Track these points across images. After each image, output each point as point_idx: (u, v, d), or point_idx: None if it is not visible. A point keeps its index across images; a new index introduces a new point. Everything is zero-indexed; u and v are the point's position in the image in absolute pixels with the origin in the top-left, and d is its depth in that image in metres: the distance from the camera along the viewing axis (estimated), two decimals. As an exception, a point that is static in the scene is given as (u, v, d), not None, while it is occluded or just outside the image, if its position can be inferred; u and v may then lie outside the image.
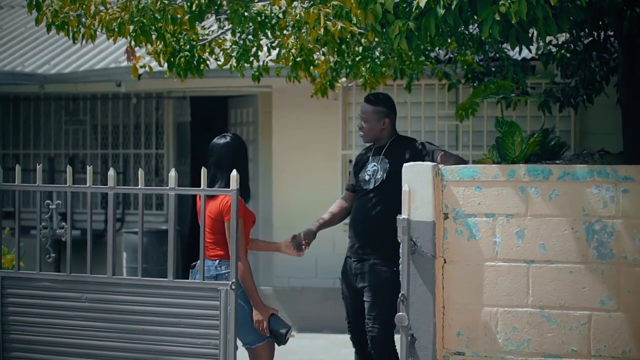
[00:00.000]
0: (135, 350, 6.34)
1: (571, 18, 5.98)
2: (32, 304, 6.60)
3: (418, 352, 5.75)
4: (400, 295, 5.76)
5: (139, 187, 6.40)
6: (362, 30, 7.38)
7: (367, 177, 7.19)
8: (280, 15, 7.85)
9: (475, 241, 5.75)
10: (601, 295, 5.57)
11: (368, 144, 7.44)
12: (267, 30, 7.98)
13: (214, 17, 8.77)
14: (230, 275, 6.20)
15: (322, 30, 6.73)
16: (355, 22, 6.72)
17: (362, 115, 7.28)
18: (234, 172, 6.21)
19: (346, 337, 7.45)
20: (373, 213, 7.06)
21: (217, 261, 6.65)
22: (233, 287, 6.17)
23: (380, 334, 7.00)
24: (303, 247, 7.16)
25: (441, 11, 5.77)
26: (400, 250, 5.77)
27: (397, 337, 6.99)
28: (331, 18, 6.75)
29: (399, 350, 5.92)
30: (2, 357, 6.64)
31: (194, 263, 6.73)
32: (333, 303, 10.95)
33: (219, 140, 6.84)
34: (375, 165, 7.18)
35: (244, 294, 6.63)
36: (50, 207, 6.59)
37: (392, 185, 6.13)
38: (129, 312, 6.36)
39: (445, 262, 5.79)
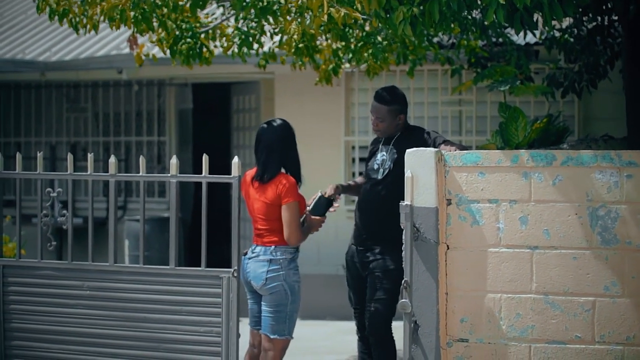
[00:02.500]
0: (137, 339, 6.33)
1: (575, 2, 5.94)
2: (33, 292, 6.59)
3: (421, 339, 5.73)
4: (403, 281, 5.74)
5: (141, 174, 6.38)
6: (365, 17, 7.34)
7: (375, 167, 7.18)
8: (282, 1, 7.81)
9: (479, 227, 5.72)
10: (605, 281, 5.54)
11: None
12: (268, 16, 7.95)
13: (216, 3, 8.75)
14: (232, 262, 6.18)
15: (325, 17, 6.70)
16: (359, 8, 6.69)
17: (377, 115, 7.17)
18: (236, 159, 6.21)
19: (349, 324, 7.43)
20: (381, 202, 7.04)
21: (273, 247, 6.68)
22: (235, 274, 6.15)
23: (379, 318, 7.00)
24: (333, 207, 7.09)
25: (445, -4, 5.74)
26: (403, 237, 5.74)
27: (395, 325, 7.00)
28: (334, 4, 6.71)
29: (401, 337, 5.89)
30: (4, 345, 6.62)
31: (246, 251, 6.77)
32: (336, 290, 10.94)
33: (268, 125, 6.85)
34: (384, 155, 7.16)
35: (292, 283, 6.68)
36: (52, 195, 6.57)
37: (399, 175, 6.11)
38: (130, 300, 6.35)
39: (448, 248, 5.76)
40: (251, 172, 6.84)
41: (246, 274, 6.70)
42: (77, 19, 7.83)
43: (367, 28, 8.72)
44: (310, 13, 7.26)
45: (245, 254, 6.79)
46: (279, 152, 6.73)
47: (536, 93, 8.89)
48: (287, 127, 6.85)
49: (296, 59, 8.66)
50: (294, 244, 6.67)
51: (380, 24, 7.11)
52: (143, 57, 9.08)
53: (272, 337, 6.65)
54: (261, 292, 6.67)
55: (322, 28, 7.45)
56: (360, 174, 7.43)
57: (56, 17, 7.82)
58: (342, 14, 6.63)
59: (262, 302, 6.70)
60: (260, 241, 6.71)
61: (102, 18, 7.75)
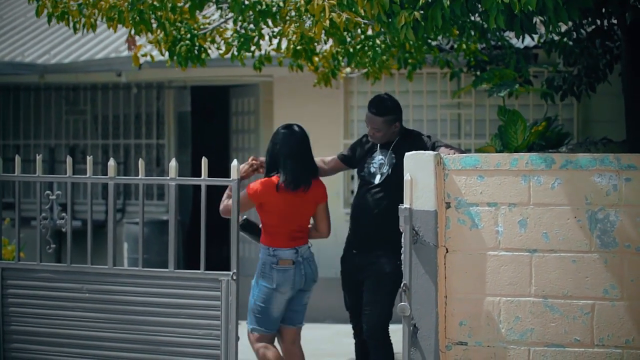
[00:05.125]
0: (136, 341, 6.32)
1: (579, 6, 5.94)
2: (32, 295, 6.58)
3: (420, 342, 5.73)
4: (402, 284, 5.73)
5: (140, 177, 6.38)
6: (367, 21, 7.34)
7: (372, 170, 7.16)
8: (281, 4, 7.81)
9: (478, 230, 5.72)
10: (604, 284, 5.54)
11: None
12: (267, 19, 7.94)
13: (214, 5, 8.74)
14: (232, 265, 6.18)
15: (327, 22, 6.69)
16: (360, 12, 6.68)
17: (373, 125, 7.16)
18: (235, 162, 6.20)
19: (349, 327, 7.44)
20: (379, 207, 7.04)
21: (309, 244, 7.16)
22: (234, 277, 6.14)
23: (377, 321, 7.01)
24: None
25: (447, 1, 5.74)
26: (402, 240, 5.74)
27: (393, 328, 7.00)
28: (336, 9, 6.70)
29: (398, 340, 5.90)
30: (3, 348, 6.62)
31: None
32: (335, 293, 10.89)
33: (281, 131, 7.09)
34: (382, 159, 7.15)
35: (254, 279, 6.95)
36: (51, 197, 6.57)
37: (398, 180, 6.12)
38: (129, 302, 6.34)
39: (447, 251, 5.76)
40: None
41: None
42: (75, 20, 7.83)
43: (369, 32, 8.71)
44: (310, 16, 7.25)
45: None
46: (282, 157, 7.06)
47: (538, 92, 8.88)
48: (300, 134, 7.09)
49: (294, 61, 8.65)
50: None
51: (382, 29, 7.11)
52: (140, 58, 9.08)
53: (303, 325, 7.32)
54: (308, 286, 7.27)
55: (323, 32, 7.44)
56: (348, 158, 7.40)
57: (54, 18, 7.82)
58: (344, 18, 6.63)
59: (304, 298, 7.23)
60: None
61: (100, 18, 7.75)
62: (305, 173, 6.98)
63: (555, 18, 5.72)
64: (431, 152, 5.80)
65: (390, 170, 7.07)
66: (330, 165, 7.42)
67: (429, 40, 9.36)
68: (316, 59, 8.86)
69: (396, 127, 7.18)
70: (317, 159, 7.33)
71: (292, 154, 6.95)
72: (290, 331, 7.13)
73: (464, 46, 9.82)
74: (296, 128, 7.07)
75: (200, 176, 6.28)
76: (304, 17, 7.51)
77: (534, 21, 6.22)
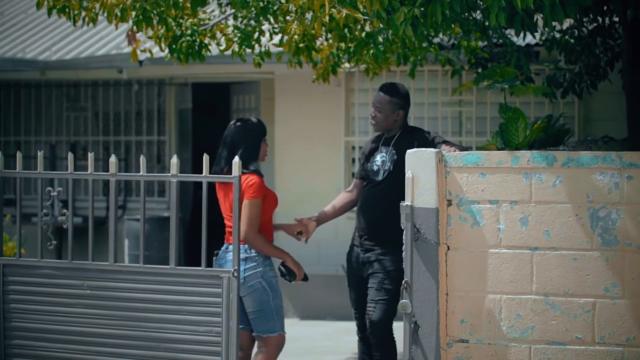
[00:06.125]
0: (137, 338, 6.32)
1: (576, 4, 5.95)
2: (33, 291, 6.58)
3: (421, 339, 5.73)
4: (403, 282, 5.74)
5: (141, 174, 6.38)
6: (366, 17, 7.34)
7: (375, 168, 7.18)
8: (283, 1, 7.81)
9: (479, 228, 5.72)
10: (605, 282, 5.54)
11: (378, 133, 7.41)
12: (269, 16, 7.94)
13: (216, 1, 8.75)
14: (234, 261, 6.18)
15: (327, 17, 6.70)
16: (360, 8, 6.69)
17: (377, 105, 7.20)
18: (236, 159, 6.19)
19: (349, 324, 7.44)
20: (382, 204, 7.05)
21: (247, 245, 6.78)
22: (235, 274, 6.14)
23: (380, 319, 7.01)
24: (304, 237, 7.20)
25: (448, -2, 5.76)
26: (404, 237, 5.74)
27: (395, 325, 7.00)
28: (336, 5, 6.71)
29: (400, 338, 5.90)
30: (4, 344, 6.62)
31: (217, 251, 6.79)
32: (336, 290, 10.93)
33: (231, 123, 7.03)
34: (383, 156, 7.17)
35: (270, 279, 6.78)
36: (52, 194, 6.56)
37: (400, 177, 6.13)
38: (130, 299, 6.34)
39: (448, 249, 5.76)
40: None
41: None
42: (76, 12, 7.82)
43: (367, 28, 8.71)
44: (311, 13, 7.25)
45: (217, 254, 6.91)
46: (231, 146, 6.93)
47: (536, 93, 8.90)
48: (248, 125, 7.01)
49: (293, 57, 8.65)
50: (252, 240, 6.82)
51: (381, 25, 7.11)
52: (140, 54, 9.07)
53: (264, 336, 6.76)
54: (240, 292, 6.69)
55: (323, 28, 7.45)
56: (353, 174, 7.43)
57: (54, 11, 7.81)
58: (344, 14, 6.63)
59: (245, 304, 6.78)
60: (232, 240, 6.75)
61: (101, 11, 7.74)
62: (215, 161, 6.93)
63: (550, 15, 5.73)
64: (432, 150, 5.80)
65: (392, 167, 7.09)
66: (354, 188, 7.41)
67: (430, 37, 9.37)
68: (316, 55, 8.86)
69: (398, 116, 7.19)
70: (342, 194, 7.39)
71: (220, 144, 6.97)
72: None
73: (465, 44, 9.83)
74: (238, 122, 7.02)
75: (200, 173, 6.27)
76: (306, 14, 7.52)
77: (535, 19, 6.22)
